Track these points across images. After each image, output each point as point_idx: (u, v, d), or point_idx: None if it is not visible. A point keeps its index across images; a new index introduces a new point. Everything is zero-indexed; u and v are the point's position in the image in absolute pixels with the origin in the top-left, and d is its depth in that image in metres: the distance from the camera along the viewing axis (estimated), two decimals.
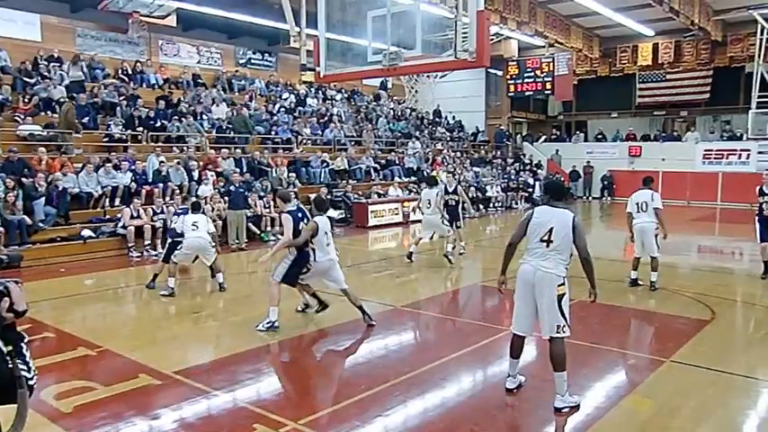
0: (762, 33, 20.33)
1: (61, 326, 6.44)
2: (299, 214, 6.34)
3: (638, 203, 7.93)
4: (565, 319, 4.22)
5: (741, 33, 21.45)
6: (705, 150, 21.92)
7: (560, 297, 4.19)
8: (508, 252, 4.49)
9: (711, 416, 4.28)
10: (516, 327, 4.45)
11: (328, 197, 14.36)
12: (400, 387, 4.71)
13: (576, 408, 4.29)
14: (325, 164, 16.48)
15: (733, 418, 4.30)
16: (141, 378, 4.84)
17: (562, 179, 23.44)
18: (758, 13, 19.32)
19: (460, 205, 10.79)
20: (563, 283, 4.22)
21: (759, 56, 20.56)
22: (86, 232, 10.67)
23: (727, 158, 21.43)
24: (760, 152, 20.71)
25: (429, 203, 10.09)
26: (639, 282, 8.05)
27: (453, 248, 10.41)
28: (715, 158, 21.68)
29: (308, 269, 6.27)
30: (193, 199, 10.55)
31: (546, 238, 4.23)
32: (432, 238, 10.45)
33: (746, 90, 21.93)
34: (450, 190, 10.77)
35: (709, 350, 5.65)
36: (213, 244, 8.18)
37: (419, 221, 10.91)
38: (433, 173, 19.05)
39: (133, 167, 12.30)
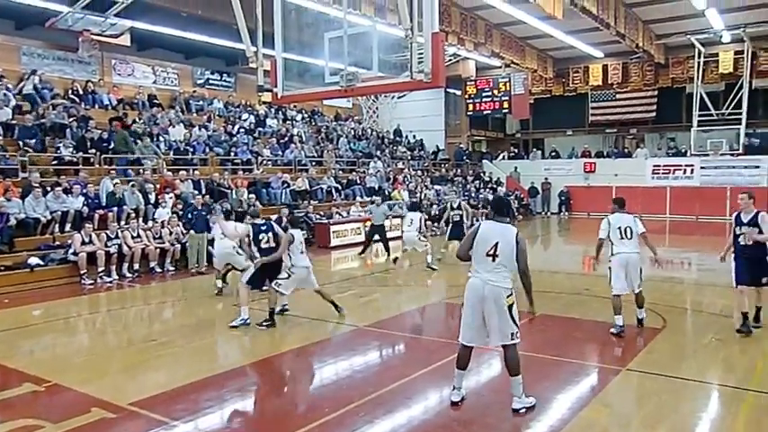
0: (699, 57, 21.70)
1: (5, 361, 6.05)
2: (263, 227, 7.42)
3: (620, 228, 6.55)
4: (516, 326, 4.49)
5: (681, 57, 22.85)
6: (654, 166, 23.00)
7: (510, 306, 4.46)
8: (463, 259, 4.72)
9: (665, 420, 4.41)
10: (465, 338, 4.60)
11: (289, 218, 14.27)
12: (365, 407, 4.66)
13: (532, 408, 4.51)
14: (285, 184, 16.35)
15: (686, 421, 4.45)
16: (94, 412, 4.60)
17: (510, 196, 24.10)
18: (695, 38, 20.63)
19: (464, 220, 11.58)
20: (511, 294, 4.48)
21: (698, 78, 21.90)
22: (33, 260, 10.14)
23: (673, 173, 22.53)
24: (702, 167, 21.89)
25: (411, 222, 11.37)
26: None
27: (436, 259, 11.45)
28: (663, 173, 22.76)
29: (289, 275, 7.07)
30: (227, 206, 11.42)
31: (492, 252, 4.45)
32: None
33: (688, 109, 23.24)
34: (455, 206, 11.67)
35: (661, 357, 5.85)
36: (239, 252, 8.92)
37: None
38: (394, 192, 19.21)
39: (85, 191, 11.86)
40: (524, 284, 4.59)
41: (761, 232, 6.25)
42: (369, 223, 15.90)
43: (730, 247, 6.68)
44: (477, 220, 12.40)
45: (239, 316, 7.13)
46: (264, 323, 7.04)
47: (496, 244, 4.44)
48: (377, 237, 13.20)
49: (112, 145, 13.97)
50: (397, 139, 25.65)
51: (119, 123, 14.42)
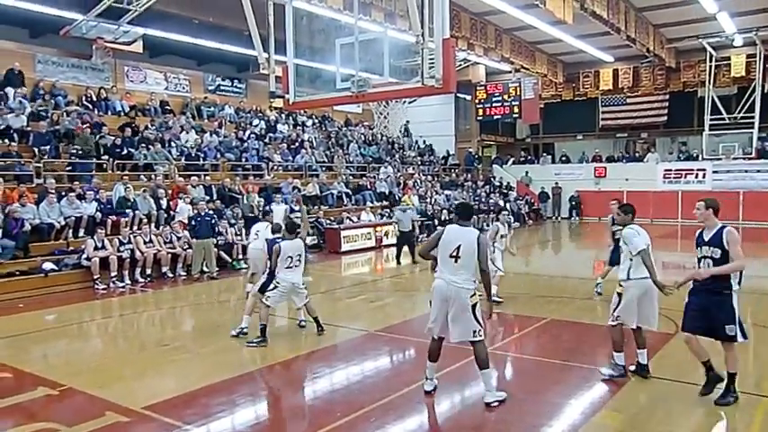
0: (711, 61, 21.55)
1: (20, 365, 6.13)
2: (278, 239, 7.14)
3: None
4: (479, 323, 4.72)
5: (693, 60, 22.70)
6: (665, 170, 22.79)
7: (474, 306, 4.69)
8: (426, 258, 5.17)
9: (678, 426, 4.37)
10: (435, 332, 4.89)
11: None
12: (376, 413, 4.66)
13: (503, 401, 4.71)
14: (296, 190, 16.43)
15: (699, 427, 4.39)
16: (108, 416, 4.65)
17: (520, 200, 23.94)
18: (707, 41, 20.49)
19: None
20: (474, 294, 4.71)
21: (709, 81, 21.73)
22: (48, 265, 10.26)
23: (685, 178, 22.32)
24: (714, 171, 21.67)
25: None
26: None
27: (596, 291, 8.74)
28: (674, 178, 22.55)
29: (275, 286, 6.64)
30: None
31: (454, 254, 4.71)
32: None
33: (699, 113, 23.05)
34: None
35: (674, 362, 5.77)
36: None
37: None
38: (404, 197, 19.22)
39: (97, 197, 12.00)
40: (483, 281, 4.81)
41: (723, 257, 4.52)
42: (383, 228, 15.86)
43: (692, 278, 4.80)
44: (488, 226, 11.14)
45: (239, 324, 6.94)
46: (255, 341, 6.54)
47: (459, 246, 4.69)
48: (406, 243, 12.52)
49: (125, 151, 14.13)
50: (406, 137, 25.64)
51: (79, 127, 13.80)
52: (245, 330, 6.87)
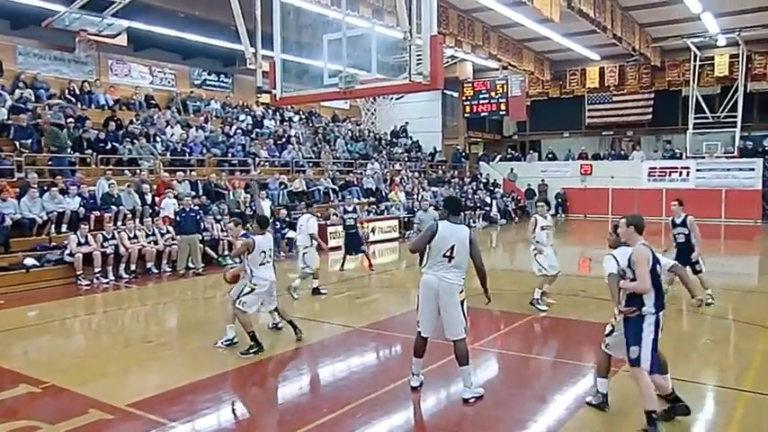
0: (695, 60, 21.84)
1: (0, 362, 6.03)
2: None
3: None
4: (465, 320, 4.80)
5: (677, 60, 22.97)
6: (650, 168, 23.10)
7: (462, 302, 4.76)
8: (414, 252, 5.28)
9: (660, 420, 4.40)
10: (423, 330, 4.92)
11: (287, 219, 14.17)
12: (362, 408, 4.67)
13: (480, 398, 4.77)
14: (283, 186, 16.34)
15: (681, 421, 4.45)
16: (91, 413, 4.60)
17: (506, 197, 24.08)
18: (691, 41, 20.74)
19: (691, 242, 7.76)
20: (462, 290, 4.78)
21: (693, 81, 22.03)
22: (29, 261, 10.10)
23: (669, 175, 22.64)
24: (698, 169, 22.02)
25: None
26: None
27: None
28: (659, 176, 22.87)
29: (251, 290, 6.17)
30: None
31: (448, 254, 4.73)
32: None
33: (684, 112, 23.36)
34: (678, 222, 7.94)
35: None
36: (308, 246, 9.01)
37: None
38: (391, 194, 19.21)
39: (80, 192, 11.81)
40: (480, 279, 4.89)
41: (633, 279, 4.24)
42: (369, 225, 15.87)
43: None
44: (475, 222, 10.82)
45: (225, 336, 6.43)
46: (251, 351, 6.07)
47: (453, 246, 4.71)
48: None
49: (109, 145, 13.93)
50: (402, 137, 25.67)
51: (46, 121, 13.19)
52: (235, 341, 6.35)
